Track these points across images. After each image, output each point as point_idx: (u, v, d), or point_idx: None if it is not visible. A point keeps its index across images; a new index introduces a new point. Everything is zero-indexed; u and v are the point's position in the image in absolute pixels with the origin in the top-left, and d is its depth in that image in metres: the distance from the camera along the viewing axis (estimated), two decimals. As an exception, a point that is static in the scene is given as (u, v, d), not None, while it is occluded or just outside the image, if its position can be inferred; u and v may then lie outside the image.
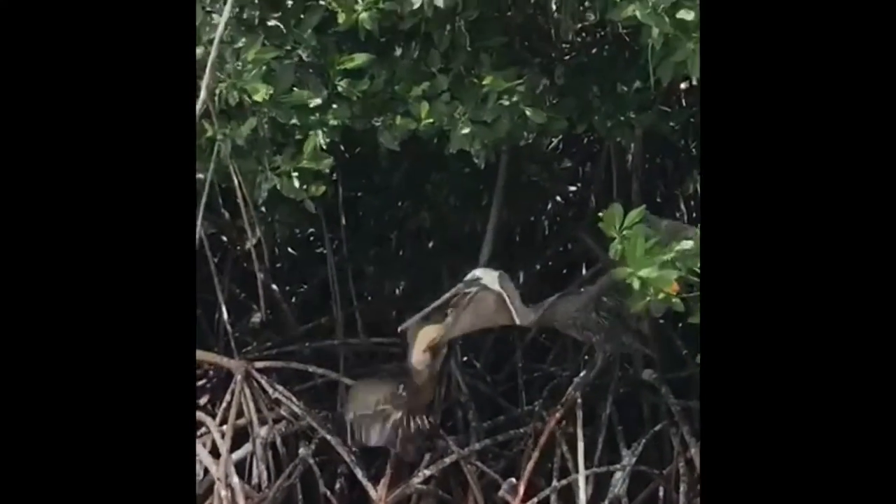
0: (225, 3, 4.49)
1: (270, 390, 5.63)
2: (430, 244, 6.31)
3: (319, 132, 4.63)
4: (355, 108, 4.71)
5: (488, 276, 5.08)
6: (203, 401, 5.89)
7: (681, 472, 5.36)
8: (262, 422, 5.58)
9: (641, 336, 5.43)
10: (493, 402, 5.95)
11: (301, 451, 5.62)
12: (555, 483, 5.39)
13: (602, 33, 5.47)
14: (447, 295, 5.11)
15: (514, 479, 5.39)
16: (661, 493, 5.47)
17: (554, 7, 5.07)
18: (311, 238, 6.46)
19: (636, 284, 4.24)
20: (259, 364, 5.71)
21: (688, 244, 4.21)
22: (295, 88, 4.61)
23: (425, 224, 6.17)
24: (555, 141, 6.34)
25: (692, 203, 6.19)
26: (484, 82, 4.69)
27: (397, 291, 6.36)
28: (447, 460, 5.50)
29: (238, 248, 6.09)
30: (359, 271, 6.22)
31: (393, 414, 5.42)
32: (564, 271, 6.38)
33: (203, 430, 5.61)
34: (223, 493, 5.42)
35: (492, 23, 4.95)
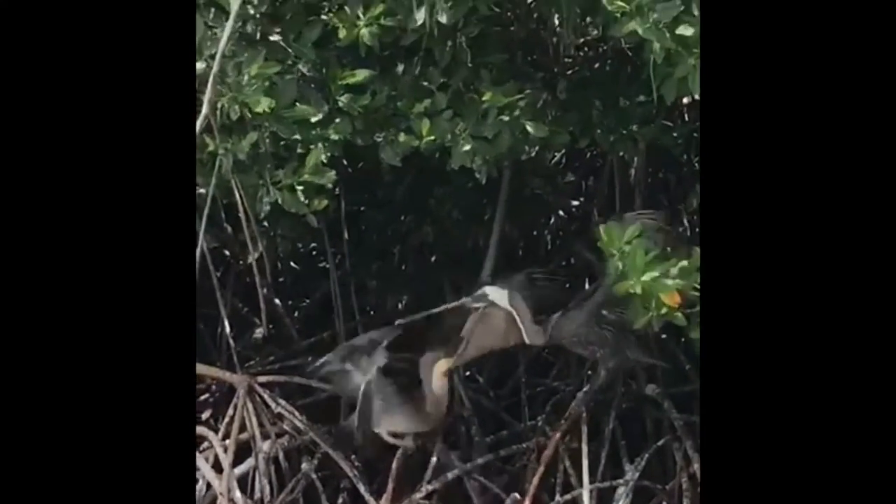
0: (227, 18, 4.49)
1: (273, 405, 5.62)
2: (433, 259, 6.32)
3: (321, 147, 4.63)
4: (357, 124, 4.71)
5: (497, 294, 5.07)
6: (205, 415, 5.89)
7: (683, 487, 5.35)
8: (265, 436, 5.56)
9: (646, 348, 5.42)
10: (497, 417, 5.94)
11: (304, 465, 5.61)
12: (558, 498, 5.37)
13: (604, 48, 5.48)
14: (450, 305, 5.11)
15: (517, 495, 5.38)
16: (664, 508, 5.47)
17: (556, 22, 5.07)
18: (314, 252, 6.46)
19: (638, 289, 4.24)
20: (262, 378, 5.69)
21: (687, 261, 4.23)
22: (297, 103, 4.62)
23: (428, 238, 6.17)
24: (557, 155, 6.35)
25: (695, 217, 6.18)
26: (484, 98, 4.69)
27: (400, 306, 6.36)
28: (450, 475, 5.49)
29: (240, 262, 6.09)
30: (361, 286, 6.21)
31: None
32: (567, 285, 6.37)
33: (205, 444, 5.60)
34: (226, 507, 5.43)
35: (493, 38, 4.96)
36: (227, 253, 6.14)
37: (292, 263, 6.42)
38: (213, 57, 4.44)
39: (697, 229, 6.04)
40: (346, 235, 5.96)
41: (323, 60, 4.69)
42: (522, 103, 4.74)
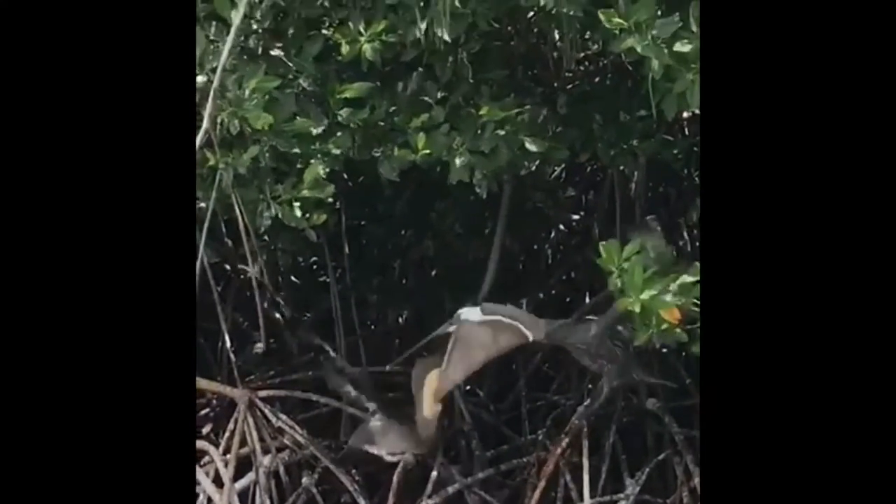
0: (228, 32, 4.50)
1: (274, 419, 5.62)
2: (434, 273, 6.32)
3: (320, 161, 4.63)
4: (356, 138, 4.72)
5: (471, 312, 5.06)
6: (206, 430, 5.89)
7: (684, 502, 5.35)
8: (266, 451, 5.57)
9: (649, 365, 5.43)
10: (497, 432, 5.95)
11: (304, 480, 5.61)
12: (559, 512, 5.39)
13: (604, 62, 5.49)
14: (431, 336, 5.11)
15: None
16: (664, 522, 5.47)
17: (556, 37, 5.08)
18: (314, 267, 6.46)
19: (637, 308, 4.25)
20: (262, 393, 5.70)
21: (689, 278, 4.23)
22: (296, 117, 4.62)
23: (429, 253, 6.18)
24: (558, 169, 6.36)
25: (695, 232, 6.19)
26: (481, 112, 4.70)
27: (400, 320, 6.37)
28: (450, 489, 5.49)
29: (241, 276, 6.09)
30: (362, 300, 6.22)
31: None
32: (568, 299, 6.38)
33: (206, 459, 5.60)
34: (226, 522, 5.43)
35: (494, 54, 4.97)
36: (227, 267, 6.14)
37: (293, 277, 6.42)
38: (214, 71, 4.45)
39: (698, 243, 6.06)
40: (346, 250, 5.96)
41: (323, 75, 4.70)
42: (520, 118, 4.75)
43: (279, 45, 4.76)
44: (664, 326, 4.38)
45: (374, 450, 5.45)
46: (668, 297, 4.26)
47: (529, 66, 5.33)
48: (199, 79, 4.40)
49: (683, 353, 5.52)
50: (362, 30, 4.62)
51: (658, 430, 5.65)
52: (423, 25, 4.51)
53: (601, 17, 4.26)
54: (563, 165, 6.19)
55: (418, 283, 6.33)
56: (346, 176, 5.37)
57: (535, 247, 6.49)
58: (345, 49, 4.61)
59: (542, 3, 4.39)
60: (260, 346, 5.95)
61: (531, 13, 4.99)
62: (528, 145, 4.75)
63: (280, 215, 4.65)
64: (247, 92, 4.48)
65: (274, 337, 6.04)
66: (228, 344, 5.81)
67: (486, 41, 4.85)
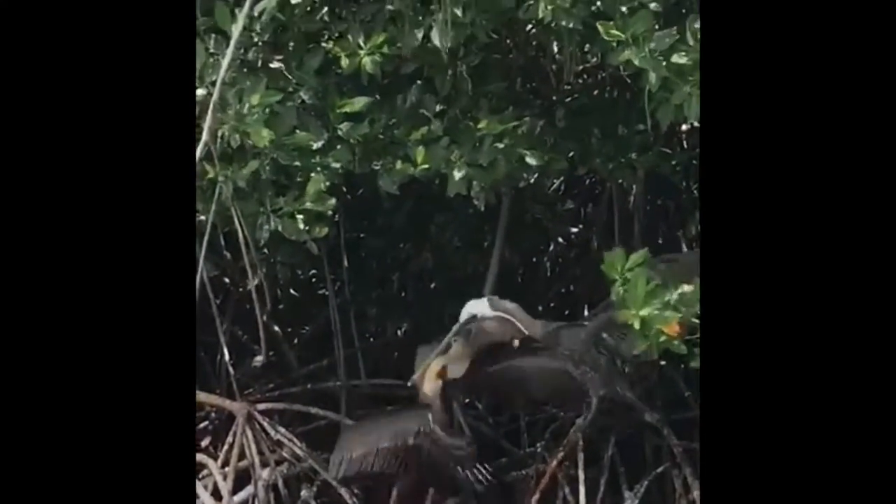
0: (228, 45, 4.51)
1: (272, 432, 5.62)
2: (433, 285, 6.32)
3: (321, 174, 4.63)
4: (357, 151, 4.73)
5: (478, 306, 5.07)
6: (205, 443, 5.88)
7: (683, 514, 5.36)
8: (264, 464, 5.56)
9: (641, 382, 5.42)
10: (496, 444, 5.93)
11: (303, 493, 5.61)
12: (557, 524, 5.38)
13: (603, 76, 5.49)
14: (448, 337, 5.11)
15: None
16: (663, 535, 5.47)
17: (555, 50, 5.09)
18: (314, 279, 6.46)
19: (637, 324, 4.25)
20: (261, 406, 5.70)
21: (689, 288, 4.22)
22: (297, 131, 4.63)
23: (428, 265, 6.18)
24: (556, 182, 6.36)
25: (694, 245, 6.19)
26: (479, 126, 4.70)
27: (399, 333, 6.37)
28: (450, 501, 5.48)
29: (240, 289, 6.09)
30: (361, 312, 6.21)
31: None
32: (567, 312, 6.38)
33: (205, 472, 5.60)
34: (225, 534, 5.43)
35: (493, 67, 4.98)
36: (226, 280, 6.14)
37: (292, 290, 6.42)
38: (213, 84, 4.46)
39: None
40: (345, 262, 5.95)
41: (324, 88, 4.71)
42: (519, 131, 4.76)
43: (279, 58, 4.77)
44: (662, 339, 4.38)
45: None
46: (669, 312, 4.26)
47: (528, 79, 5.34)
48: (199, 92, 4.41)
49: (682, 365, 5.52)
50: (362, 43, 4.63)
51: (657, 442, 5.64)
52: (420, 35, 4.53)
53: (599, 28, 4.28)
54: (561, 178, 6.19)
55: (417, 295, 6.32)
56: (345, 189, 5.37)
57: (534, 259, 6.49)
58: (344, 62, 4.63)
59: (540, 15, 4.40)
60: (259, 360, 5.94)
61: (530, 26, 5.00)
62: (526, 158, 4.75)
63: (281, 228, 4.66)
64: (247, 106, 4.49)
65: (273, 350, 6.03)
66: (227, 357, 5.81)
67: (486, 54, 4.87)
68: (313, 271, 6.33)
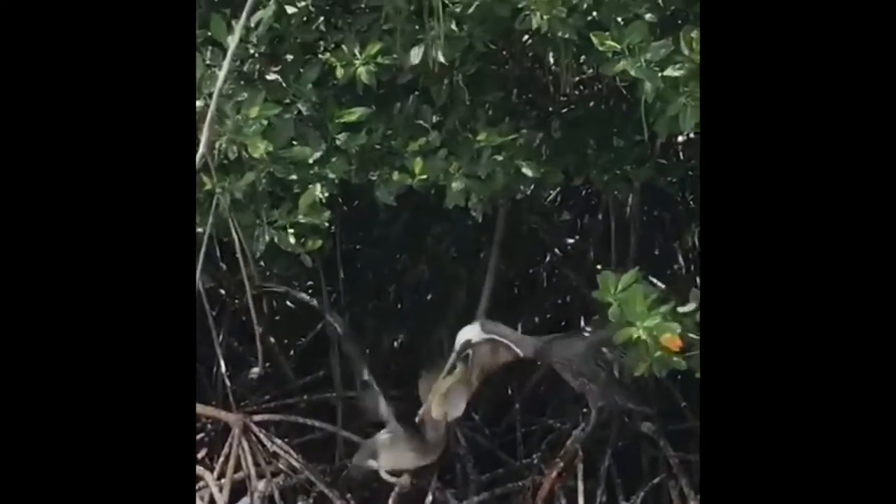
0: (224, 57, 4.51)
1: (268, 443, 5.61)
2: (429, 297, 6.31)
3: (318, 186, 4.63)
4: (354, 162, 4.72)
5: (472, 331, 5.07)
6: (201, 454, 5.87)
7: (680, 525, 5.36)
8: (260, 475, 5.56)
9: (638, 393, 5.42)
10: (492, 455, 5.93)
11: (299, 504, 5.62)
12: (554, 536, 5.37)
13: (599, 86, 5.49)
14: (448, 365, 5.10)
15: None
16: (659, 545, 5.47)
17: (552, 60, 5.09)
18: (310, 291, 6.45)
19: (643, 335, 4.25)
20: (257, 417, 5.69)
21: (689, 307, 4.23)
22: (294, 142, 4.63)
23: (424, 277, 6.17)
24: (553, 193, 6.36)
25: (690, 256, 6.20)
26: (478, 137, 4.70)
27: (396, 344, 6.36)
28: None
29: (236, 300, 6.09)
30: (357, 324, 6.21)
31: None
32: (563, 323, 6.38)
33: (201, 483, 5.59)
34: (221, 547, 5.42)
35: (489, 77, 4.98)
36: (223, 292, 6.13)
37: (288, 302, 6.41)
38: (211, 95, 4.46)
39: (693, 267, 6.07)
40: (341, 274, 5.95)
41: (321, 99, 4.71)
42: (517, 143, 4.76)
43: (276, 69, 4.77)
44: (658, 353, 4.38)
45: (377, 464, 5.42)
46: (672, 323, 4.26)
47: (524, 90, 5.34)
48: (197, 104, 4.41)
49: (679, 377, 5.52)
50: (357, 53, 4.64)
51: (653, 453, 5.64)
52: (420, 50, 4.54)
53: (594, 39, 4.28)
54: (558, 189, 6.19)
55: (413, 306, 6.32)
56: (341, 200, 5.37)
57: (530, 270, 6.49)
58: (340, 72, 4.63)
59: (535, 26, 4.40)
60: (255, 371, 5.95)
61: (526, 36, 5.00)
62: (523, 170, 4.75)
63: (276, 240, 4.65)
64: (246, 119, 4.49)
65: (269, 361, 6.03)
66: (223, 368, 5.80)
67: (482, 64, 4.86)
68: (309, 283, 6.32)
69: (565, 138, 5.14)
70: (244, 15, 4.55)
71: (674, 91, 4.25)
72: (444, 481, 5.64)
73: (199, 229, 4.64)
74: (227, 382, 5.77)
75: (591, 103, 5.55)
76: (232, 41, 4.50)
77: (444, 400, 5.19)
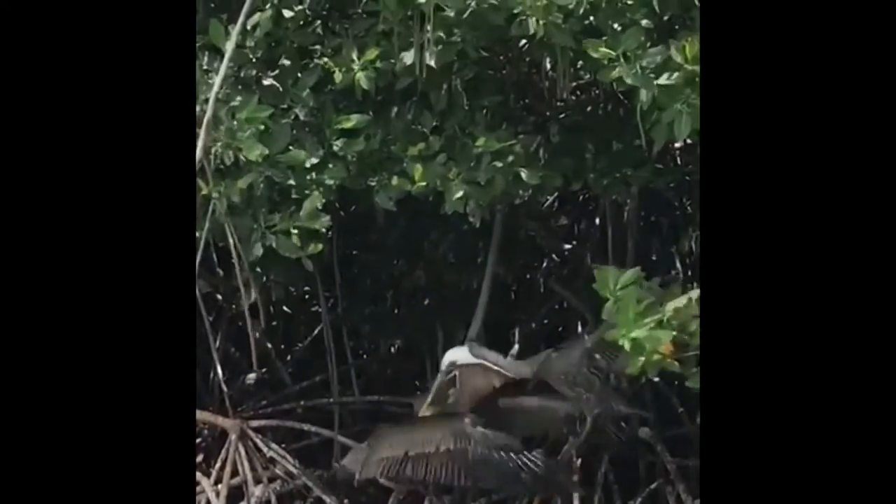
0: (222, 62, 4.51)
1: (265, 449, 5.61)
2: (426, 302, 6.31)
3: (318, 192, 4.63)
4: (352, 168, 4.72)
5: (459, 354, 5.06)
6: (198, 459, 5.87)
7: (677, 530, 5.36)
8: (257, 481, 5.55)
9: (635, 398, 5.42)
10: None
11: (295, 510, 5.62)
12: (552, 541, 5.37)
13: (597, 92, 5.49)
14: (435, 387, 5.08)
15: None
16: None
17: (549, 66, 5.09)
18: (307, 296, 6.45)
19: (627, 346, 4.24)
20: (254, 423, 5.69)
21: (682, 301, 4.21)
22: (291, 147, 4.63)
23: (421, 282, 6.17)
24: (550, 198, 6.36)
25: (687, 261, 6.20)
26: (477, 143, 4.70)
27: (392, 349, 6.36)
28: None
29: (233, 306, 6.08)
30: (354, 329, 6.21)
31: None
32: (560, 328, 6.38)
33: (198, 489, 5.58)
34: (218, 552, 5.41)
35: (487, 82, 4.98)
36: (219, 297, 6.13)
37: (285, 307, 6.41)
38: (207, 100, 4.46)
39: (690, 272, 6.06)
40: (338, 279, 5.95)
41: (319, 104, 4.71)
42: (515, 148, 4.76)
43: (273, 74, 4.77)
44: (655, 357, 4.37)
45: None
46: (661, 332, 4.25)
47: (522, 95, 5.34)
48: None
49: (676, 382, 5.52)
50: (356, 58, 4.64)
51: (650, 459, 5.64)
52: (412, 53, 4.54)
53: (587, 47, 4.28)
54: (555, 194, 6.18)
55: (411, 312, 6.31)
56: (338, 205, 5.37)
57: (528, 276, 6.48)
58: (338, 77, 4.63)
59: (532, 31, 4.40)
60: (252, 377, 5.95)
61: (523, 41, 5.00)
62: (522, 175, 4.75)
63: (274, 245, 4.65)
64: (241, 122, 4.49)
65: (266, 367, 6.03)
66: (220, 374, 5.80)
67: (480, 69, 4.87)
68: (307, 288, 6.33)
69: (563, 143, 5.14)
70: (241, 19, 4.56)
71: (669, 98, 4.25)
72: (440, 488, 5.63)
73: (196, 234, 4.63)
74: (224, 388, 5.77)
75: (589, 108, 5.55)
76: (229, 45, 4.51)
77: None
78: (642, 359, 4.24)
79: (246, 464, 5.56)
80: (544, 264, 6.47)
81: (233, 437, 5.58)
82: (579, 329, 6.06)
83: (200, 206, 4.61)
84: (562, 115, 5.37)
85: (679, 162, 5.74)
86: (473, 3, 4.51)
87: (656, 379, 5.41)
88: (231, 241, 4.71)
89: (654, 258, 6.25)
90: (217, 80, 4.47)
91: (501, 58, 5.21)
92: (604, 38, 4.36)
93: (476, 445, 4.90)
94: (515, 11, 4.41)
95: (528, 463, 4.92)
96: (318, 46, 4.82)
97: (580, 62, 4.88)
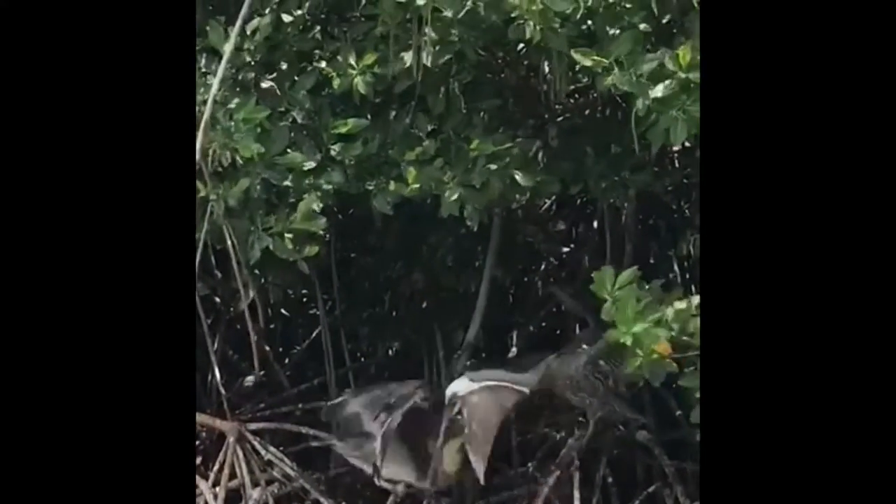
0: (219, 64, 4.52)
1: (263, 452, 5.61)
2: (424, 305, 6.31)
3: (314, 195, 4.64)
4: (349, 172, 4.73)
5: (462, 385, 5.05)
6: (196, 462, 5.86)
7: (675, 533, 5.35)
8: (255, 483, 5.55)
9: (635, 402, 5.42)
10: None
11: (293, 512, 5.61)
12: (549, 545, 5.36)
13: (594, 94, 5.49)
14: (443, 427, 5.07)
15: None
16: (655, 555, 5.46)
17: (547, 69, 5.09)
18: (305, 299, 6.45)
19: (629, 341, 4.25)
20: (252, 425, 5.68)
21: (681, 304, 4.22)
22: (289, 150, 4.63)
23: (419, 285, 6.17)
24: (548, 202, 6.36)
25: (685, 264, 6.19)
26: (472, 146, 4.70)
27: (390, 352, 6.36)
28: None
29: (231, 309, 6.08)
30: (352, 332, 6.21)
31: None
32: (558, 332, 6.37)
33: (196, 491, 5.58)
34: (216, 555, 5.41)
35: (485, 86, 4.99)
36: (217, 300, 6.13)
37: (283, 310, 6.41)
38: (205, 102, 4.46)
39: (688, 275, 6.07)
40: (336, 282, 5.95)
41: (316, 107, 4.71)
42: (512, 151, 4.76)
43: (271, 76, 4.77)
44: (654, 357, 4.38)
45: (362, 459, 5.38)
46: (660, 329, 4.26)
47: (520, 99, 5.34)
48: (192, 110, 4.42)
49: (674, 385, 5.51)
50: (354, 62, 4.64)
51: (648, 462, 5.63)
52: (408, 56, 4.54)
53: (576, 56, 4.29)
54: (553, 198, 6.18)
55: (409, 315, 6.31)
56: (335, 209, 5.37)
57: (525, 279, 6.48)
58: (336, 82, 4.63)
59: (528, 35, 4.40)
60: (250, 379, 5.94)
61: (521, 45, 5.00)
62: (518, 179, 4.75)
63: (272, 247, 4.66)
64: (237, 123, 4.49)
65: (264, 369, 6.02)
66: (218, 377, 5.80)
67: (478, 73, 4.87)
68: (304, 291, 6.33)
69: (561, 147, 5.14)
70: (239, 21, 4.57)
71: (664, 105, 4.25)
72: (439, 490, 5.63)
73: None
74: (222, 391, 5.77)
75: (587, 111, 5.55)
76: (227, 48, 4.51)
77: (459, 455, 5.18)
78: (640, 355, 4.26)
79: (244, 466, 5.55)
80: (542, 268, 6.48)
81: (231, 439, 5.57)
82: (577, 332, 6.06)
83: (198, 207, 4.61)
84: (560, 119, 5.37)
85: (677, 165, 5.75)
86: (469, 2, 4.51)
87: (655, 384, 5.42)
88: (229, 243, 4.71)
89: (651, 261, 6.25)
90: (215, 82, 4.48)
91: (499, 61, 5.21)
92: (595, 45, 4.35)
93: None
94: (513, 15, 4.41)
95: None
96: (316, 51, 4.83)
97: (577, 66, 4.87)
